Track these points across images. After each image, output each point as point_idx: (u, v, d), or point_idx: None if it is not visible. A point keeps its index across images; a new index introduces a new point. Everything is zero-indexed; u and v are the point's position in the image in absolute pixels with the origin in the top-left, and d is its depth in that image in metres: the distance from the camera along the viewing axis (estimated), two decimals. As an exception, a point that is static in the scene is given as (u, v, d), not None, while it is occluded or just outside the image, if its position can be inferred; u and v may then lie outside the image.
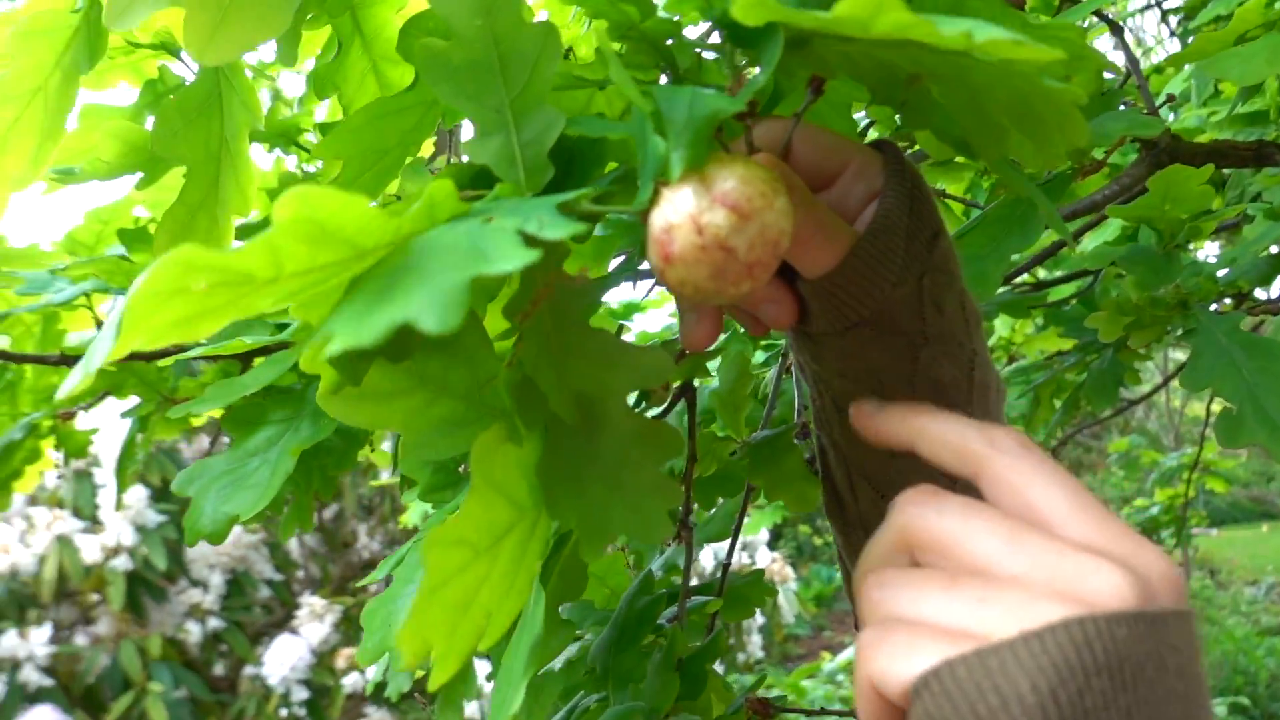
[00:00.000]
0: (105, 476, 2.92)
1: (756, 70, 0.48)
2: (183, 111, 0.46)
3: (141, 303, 0.28)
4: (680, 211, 0.38)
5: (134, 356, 0.77)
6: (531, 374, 0.44)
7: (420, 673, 0.56)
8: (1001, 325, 2.11)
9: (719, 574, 0.76)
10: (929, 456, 0.42)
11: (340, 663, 3.04)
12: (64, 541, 2.90)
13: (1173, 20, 1.36)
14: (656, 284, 0.44)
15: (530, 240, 0.32)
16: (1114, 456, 4.74)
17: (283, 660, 2.94)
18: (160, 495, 2.98)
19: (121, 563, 2.88)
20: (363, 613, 0.58)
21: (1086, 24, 1.17)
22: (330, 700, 3.02)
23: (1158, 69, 1.27)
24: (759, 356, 1.17)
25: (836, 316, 0.49)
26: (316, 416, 0.72)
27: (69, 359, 0.79)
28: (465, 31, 0.40)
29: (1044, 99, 0.45)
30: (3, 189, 0.47)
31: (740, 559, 3.36)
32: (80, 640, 2.92)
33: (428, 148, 0.47)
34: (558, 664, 0.74)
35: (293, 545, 3.51)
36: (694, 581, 0.74)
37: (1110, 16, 0.93)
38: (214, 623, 3.08)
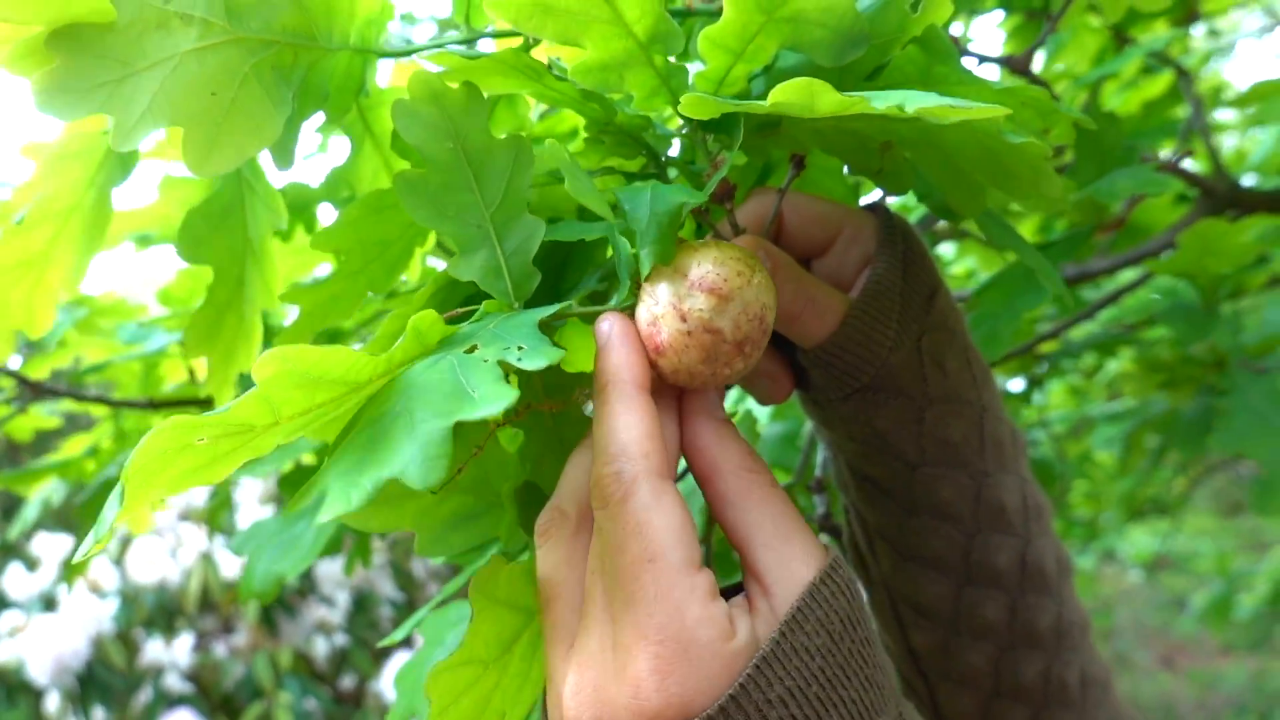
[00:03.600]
0: (243, 496, 3.12)
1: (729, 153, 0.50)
2: (207, 219, 0.51)
3: (145, 465, 0.32)
4: (662, 302, 0.39)
5: (203, 403, 0.85)
6: (534, 471, 0.46)
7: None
8: (1115, 361, 2.03)
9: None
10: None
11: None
12: (206, 557, 3.10)
13: None
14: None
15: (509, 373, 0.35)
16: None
17: (402, 677, 3.05)
18: (293, 516, 3.16)
19: (256, 578, 3.06)
20: (395, 676, 0.62)
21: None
22: (446, 718, 3.12)
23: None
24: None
25: (837, 384, 0.50)
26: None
27: (157, 404, 0.87)
28: (437, 156, 0.42)
29: (1013, 155, 0.45)
30: (48, 299, 0.52)
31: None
32: (219, 650, 3.11)
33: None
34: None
35: (416, 567, 3.64)
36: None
37: (1177, 62, 0.91)
38: (340, 639, 3.22)
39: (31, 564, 3.17)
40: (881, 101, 0.35)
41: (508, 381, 0.34)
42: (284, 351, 0.32)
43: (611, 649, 0.36)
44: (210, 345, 0.54)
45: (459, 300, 0.48)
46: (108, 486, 1.04)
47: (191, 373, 1.03)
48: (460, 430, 0.43)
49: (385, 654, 3.32)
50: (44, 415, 1.09)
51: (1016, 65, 0.62)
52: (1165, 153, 0.91)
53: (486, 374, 0.34)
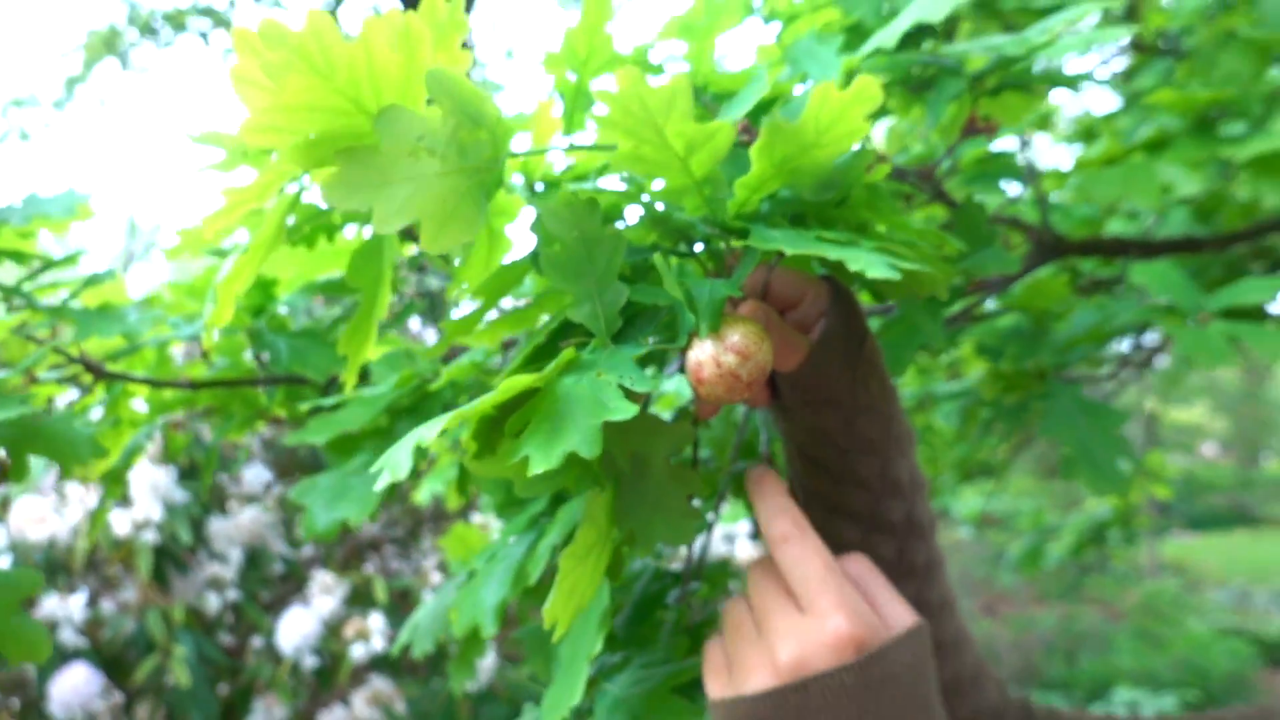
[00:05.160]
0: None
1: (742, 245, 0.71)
2: (365, 255, 0.68)
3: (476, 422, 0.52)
4: (706, 353, 0.59)
5: (243, 383, 1.03)
6: (609, 447, 0.66)
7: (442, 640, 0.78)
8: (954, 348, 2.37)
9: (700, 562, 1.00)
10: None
11: (348, 633, 3.26)
12: (96, 515, 3.13)
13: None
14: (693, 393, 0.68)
15: (628, 392, 0.55)
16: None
17: (295, 630, 3.15)
18: (186, 474, 3.21)
19: (149, 536, 3.10)
20: (456, 601, 0.79)
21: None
22: (338, 667, 3.25)
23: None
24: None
25: (800, 397, 0.71)
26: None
27: (197, 385, 1.04)
28: (566, 239, 0.62)
29: (922, 275, 0.69)
30: (229, 303, 0.69)
31: (723, 548, 3.61)
32: (109, 606, 3.14)
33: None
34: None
35: (301, 528, 3.73)
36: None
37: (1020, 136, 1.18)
38: (232, 594, 3.30)
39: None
40: (855, 264, 0.55)
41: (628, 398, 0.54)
42: (516, 377, 0.54)
43: (803, 617, 0.58)
44: (352, 346, 0.71)
45: (564, 331, 0.67)
46: (134, 452, 1.19)
47: (205, 353, 1.18)
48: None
49: (277, 608, 3.41)
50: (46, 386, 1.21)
51: (924, 174, 0.86)
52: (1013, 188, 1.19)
53: (614, 393, 0.54)
